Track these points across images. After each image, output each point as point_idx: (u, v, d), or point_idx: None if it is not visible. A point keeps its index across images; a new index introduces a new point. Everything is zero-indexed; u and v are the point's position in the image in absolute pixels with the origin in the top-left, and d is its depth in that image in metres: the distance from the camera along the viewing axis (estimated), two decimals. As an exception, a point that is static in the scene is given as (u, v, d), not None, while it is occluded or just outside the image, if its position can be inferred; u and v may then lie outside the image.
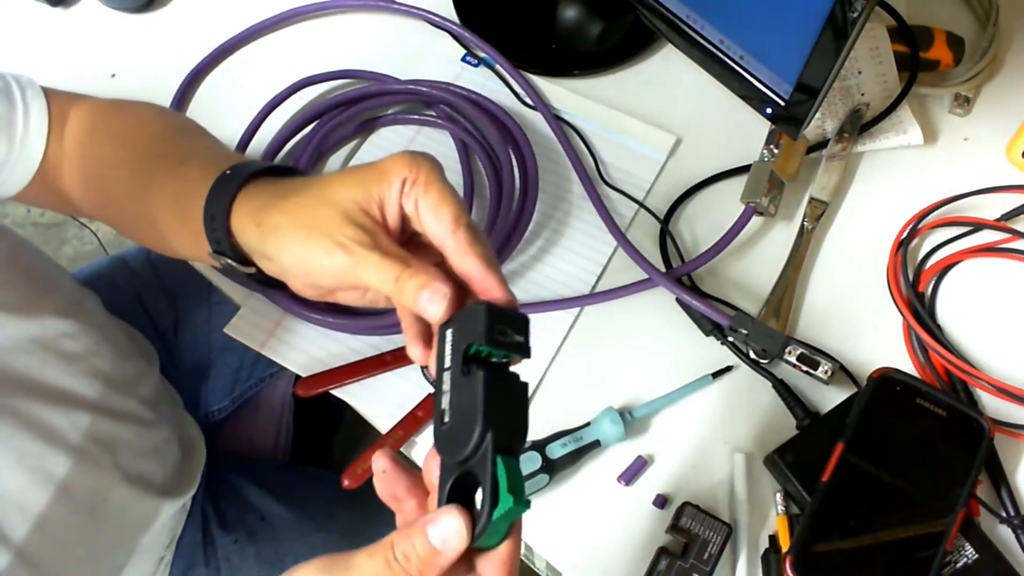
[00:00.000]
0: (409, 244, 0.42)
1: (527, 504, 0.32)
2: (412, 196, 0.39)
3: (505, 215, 0.65)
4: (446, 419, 0.35)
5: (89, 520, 0.58)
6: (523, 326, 0.36)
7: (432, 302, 0.36)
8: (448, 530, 0.32)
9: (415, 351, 0.40)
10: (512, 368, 0.36)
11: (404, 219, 0.40)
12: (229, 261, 0.44)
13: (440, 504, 0.34)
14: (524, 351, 0.35)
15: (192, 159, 0.50)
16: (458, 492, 0.34)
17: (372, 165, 0.40)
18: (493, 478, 0.32)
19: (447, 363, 0.36)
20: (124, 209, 0.54)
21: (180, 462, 0.70)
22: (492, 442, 0.33)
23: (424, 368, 0.61)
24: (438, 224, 0.38)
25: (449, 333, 0.36)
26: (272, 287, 0.46)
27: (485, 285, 0.37)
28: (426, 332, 0.40)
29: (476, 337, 0.34)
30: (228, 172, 0.45)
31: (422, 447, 0.60)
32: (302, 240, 0.39)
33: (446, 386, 0.35)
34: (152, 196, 0.50)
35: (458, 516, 0.32)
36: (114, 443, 0.60)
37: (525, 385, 0.36)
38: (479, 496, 0.33)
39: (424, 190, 0.39)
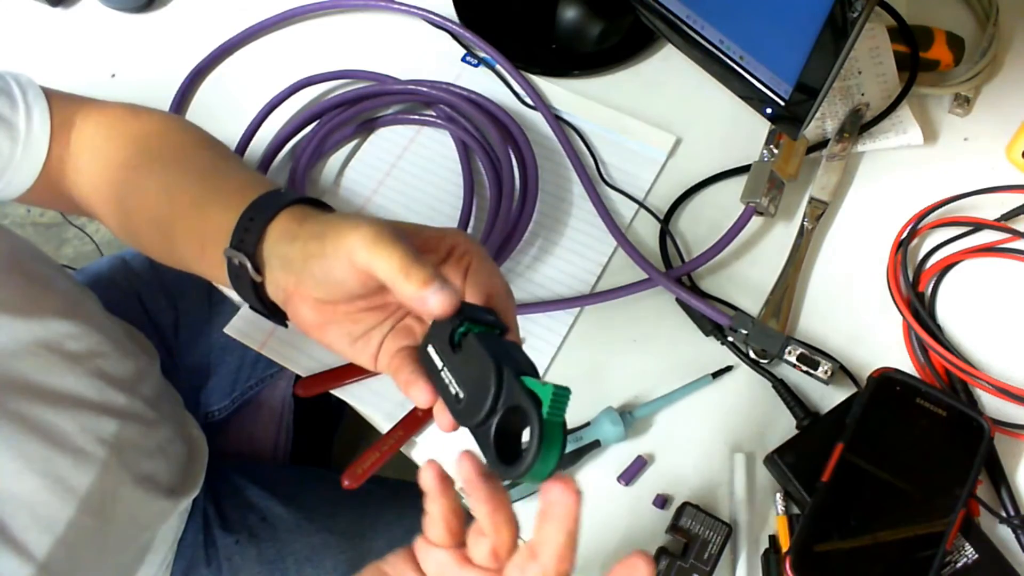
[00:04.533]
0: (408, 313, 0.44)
1: (567, 389, 0.33)
2: (466, 260, 0.42)
3: (505, 215, 0.65)
4: (461, 396, 0.36)
5: (98, 521, 0.58)
6: (489, 311, 0.38)
7: (443, 289, 0.36)
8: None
9: (421, 393, 0.39)
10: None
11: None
12: (244, 259, 0.44)
13: (489, 463, 0.35)
14: (501, 325, 0.38)
15: (228, 173, 0.51)
16: (503, 447, 0.35)
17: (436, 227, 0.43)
18: (524, 388, 0.33)
19: (439, 364, 0.37)
20: (135, 212, 0.54)
21: (185, 462, 0.70)
22: (510, 371, 0.34)
23: None
24: (492, 288, 0.41)
25: (431, 348, 0.38)
26: (268, 310, 0.46)
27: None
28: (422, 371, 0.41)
29: (455, 321, 0.36)
30: (283, 190, 0.47)
31: (422, 447, 0.60)
32: (336, 220, 0.40)
33: (448, 378, 0.37)
34: (171, 199, 0.50)
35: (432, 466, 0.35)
36: (119, 443, 0.60)
37: (515, 343, 0.38)
38: (526, 434, 0.34)
39: (480, 259, 0.42)
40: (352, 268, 0.38)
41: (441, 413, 0.38)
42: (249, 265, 0.44)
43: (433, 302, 0.36)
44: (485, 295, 0.41)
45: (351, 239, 0.38)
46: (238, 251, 0.44)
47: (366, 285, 0.39)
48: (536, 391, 0.33)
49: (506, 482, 0.35)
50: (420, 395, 0.39)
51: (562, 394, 0.33)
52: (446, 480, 0.36)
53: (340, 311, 0.42)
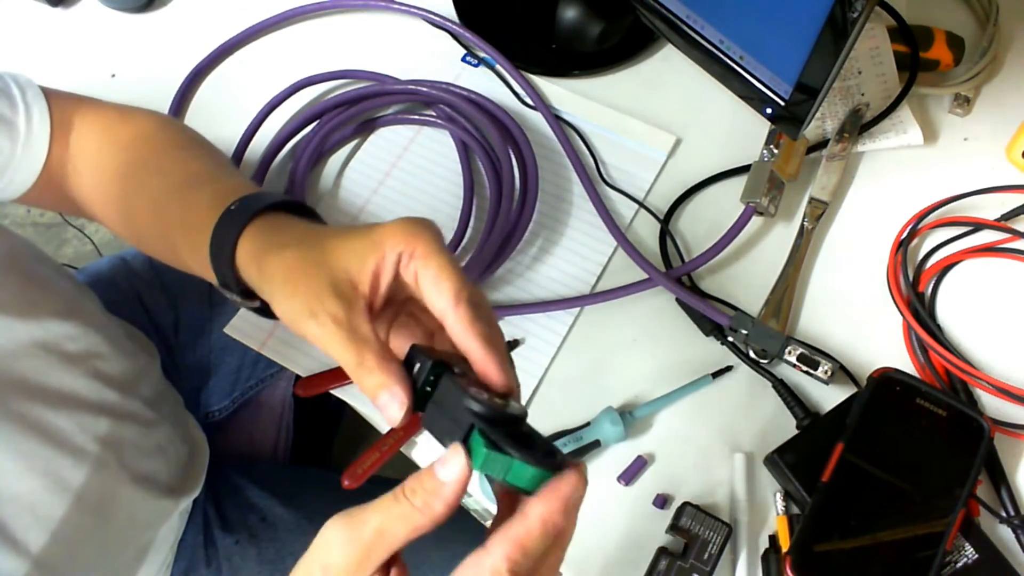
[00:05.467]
0: (408, 303, 0.43)
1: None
2: (411, 268, 0.38)
3: (505, 215, 0.65)
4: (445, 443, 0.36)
5: (97, 521, 0.58)
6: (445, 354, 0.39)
7: (389, 407, 0.37)
8: (451, 461, 0.34)
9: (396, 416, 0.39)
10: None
11: (403, 285, 0.40)
12: (235, 296, 0.45)
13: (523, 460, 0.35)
14: (449, 368, 0.37)
15: (199, 184, 0.51)
16: (522, 448, 0.35)
17: (371, 233, 0.39)
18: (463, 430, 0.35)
19: (444, 441, 0.37)
20: (133, 219, 0.54)
21: (185, 462, 0.70)
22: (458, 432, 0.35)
23: None
24: (439, 298, 0.37)
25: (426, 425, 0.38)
26: (269, 315, 0.46)
27: (484, 367, 0.37)
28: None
29: (420, 378, 0.37)
30: (233, 208, 0.45)
31: (422, 447, 0.60)
32: (287, 296, 0.39)
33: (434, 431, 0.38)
34: (161, 213, 0.51)
35: (460, 449, 0.34)
36: (118, 443, 0.60)
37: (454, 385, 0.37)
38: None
39: (423, 263, 0.38)
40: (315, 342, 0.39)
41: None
42: (240, 300, 0.45)
43: (388, 414, 0.37)
44: (437, 306, 0.38)
45: (304, 330, 0.38)
46: (226, 288, 0.45)
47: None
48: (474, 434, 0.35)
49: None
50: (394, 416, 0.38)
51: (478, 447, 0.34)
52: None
53: None
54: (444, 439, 0.36)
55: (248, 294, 0.45)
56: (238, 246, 0.44)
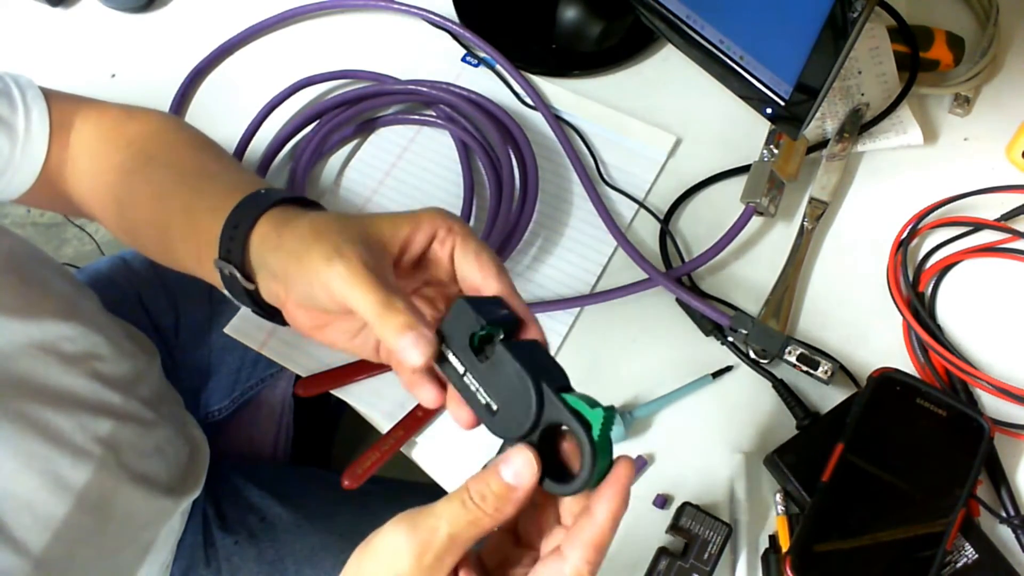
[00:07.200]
0: (419, 290, 0.43)
1: (612, 410, 0.34)
2: (448, 244, 0.40)
3: (505, 215, 0.65)
4: (494, 408, 0.36)
5: (97, 521, 0.58)
6: (499, 301, 0.38)
7: (416, 345, 0.36)
8: (519, 464, 0.34)
9: (427, 394, 0.39)
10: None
11: (420, 266, 0.41)
12: (233, 269, 0.44)
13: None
14: (514, 320, 0.38)
15: (211, 175, 0.51)
16: (544, 459, 0.35)
17: (407, 213, 0.41)
18: (570, 408, 0.34)
19: (460, 368, 0.37)
20: (132, 215, 0.54)
21: (186, 462, 0.70)
22: (551, 387, 0.34)
23: None
24: (483, 268, 0.40)
25: (450, 353, 0.37)
26: (267, 313, 0.46)
27: (531, 331, 0.39)
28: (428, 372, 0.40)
29: (473, 325, 0.36)
30: (263, 192, 0.46)
31: (422, 447, 0.60)
32: (310, 241, 0.39)
33: (474, 385, 0.36)
34: (164, 204, 0.51)
35: (527, 450, 0.34)
36: (118, 443, 0.60)
37: (536, 342, 0.38)
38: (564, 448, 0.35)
39: (463, 240, 0.40)
40: (331, 295, 0.38)
41: (458, 409, 0.38)
42: (239, 275, 0.44)
43: (410, 357, 0.36)
44: (476, 278, 0.40)
45: (325, 274, 0.38)
46: (227, 262, 0.44)
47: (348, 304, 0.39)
48: (582, 412, 0.34)
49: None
50: (427, 395, 0.39)
51: (610, 417, 0.34)
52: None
53: (333, 313, 0.42)
54: (501, 399, 0.35)
55: (247, 277, 0.45)
56: (260, 219, 0.44)
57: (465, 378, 0.36)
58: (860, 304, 0.63)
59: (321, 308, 0.41)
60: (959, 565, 0.51)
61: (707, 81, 0.66)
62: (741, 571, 0.54)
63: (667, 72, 0.75)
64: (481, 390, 0.36)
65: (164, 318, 0.81)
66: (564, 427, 0.35)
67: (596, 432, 0.33)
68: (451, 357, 0.37)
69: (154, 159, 0.53)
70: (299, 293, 0.41)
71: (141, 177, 0.53)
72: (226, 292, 0.47)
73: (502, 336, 0.37)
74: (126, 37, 0.80)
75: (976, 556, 0.52)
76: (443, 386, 0.39)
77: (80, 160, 0.56)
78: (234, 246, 0.44)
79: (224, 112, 0.74)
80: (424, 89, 0.71)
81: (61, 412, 0.56)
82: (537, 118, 0.72)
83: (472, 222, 0.68)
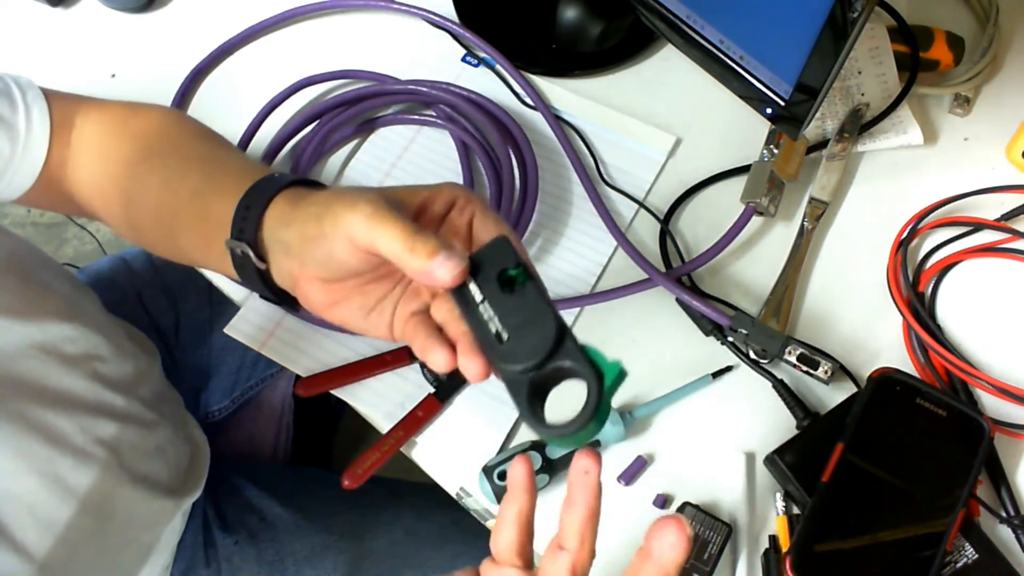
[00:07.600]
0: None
1: (626, 372, 0.35)
2: (468, 212, 0.42)
3: (505, 215, 0.65)
4: (504, 336, 0.36)
5: (97, 521, 0.58)
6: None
7: (449, 261, 0.36)
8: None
9: (439, 356, 0.39)
10: None
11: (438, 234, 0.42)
12: (246, 247, 0.44)
13: (522, 413, 0.35)
14: (533, 273, 0.38)
15: (225, 162, 0.51)
16: (534, 400, 0.35)
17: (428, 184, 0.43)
18: (587, 356, 0.35)
19: (478, 296, 0.37)
20: (138, 207, 0.54)
21: (186, 462, 0.70)
22: (571, 334, 0.35)
23: (423, 367, 0.61)
24: (499, 232, 0.41)
25: (472, 283, 0.37)
26: (278, 297, 0.46)
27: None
28: (438, 334, 0.40)
29: (509, 261, 0.37)
30: (276, 175, 0.46)
31: (422, 447, 0.60)
32: (331, 200, 0.40)
33: (487, 313, 0.36)
34: (172, 191, 0.51)
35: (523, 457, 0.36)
36: (118, 444, 0.60)
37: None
38: (556, 394, 0.35)
39: (482, 209, 0.42)
40: (353, 247, 0.38)
41: (470, 361, 0.37)
42: (251, 253, 0.44)
43: (441, 273, 0.36)
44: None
45: (349, 219, 0.38)
46: (239, 240, 0.44)
47: (369, 261, 0.39)
48: (600, 364, 0.34)
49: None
50: (439, 358, 0.39)
51: (623, 376, 0.34)
52: (532, 480, 0.36)
53: (348, 286, 0.42)
54: (509, 326, 0.36)
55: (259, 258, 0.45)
56: (275, 199, 0.44)
57: (481, 307, 0.36)
58: (860, 304, 0.63)
59: (339, 272, 0.41)
60: (959, 565, 0.51)
61: (707, 81, 0.66)
62: (741, 571, 0.54)
63: (667, 72, 0.75)
64: (496, 318, 0.36)
65: (164, 318, 0.81)
66: (570, 375, 0.35)
67: (608, 382, 0.34)
68: (471, 285, 0.37)
69: (161, 149, 0.54)
70: (317, 258, 0.41)
71: (148, 167, 0.53)
72: (235, 278, 0.47)
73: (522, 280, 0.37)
74: (126, 37, 0.80)
75: (976, 556, 0.52)
76: (454, 349, 0.39)
77: (82, 157, 0.56)
78: (247, 226, 0.44)
79: (224, 112, 0.74)
80: (424, 89, 0.71)
81: (62, 413, 0.56)
82: (537, 118, 0.72)
83: (472, 222, 0.68)
